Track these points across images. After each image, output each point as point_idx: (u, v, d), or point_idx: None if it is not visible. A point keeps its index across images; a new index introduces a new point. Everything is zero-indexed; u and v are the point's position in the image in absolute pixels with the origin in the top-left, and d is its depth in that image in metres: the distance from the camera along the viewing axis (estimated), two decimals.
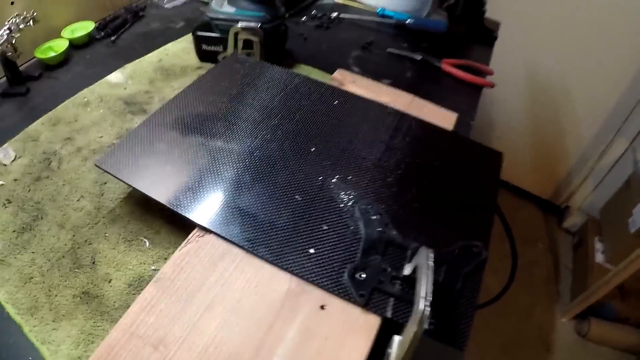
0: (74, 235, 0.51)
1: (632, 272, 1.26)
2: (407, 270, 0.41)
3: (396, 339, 0.35)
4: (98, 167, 0.51)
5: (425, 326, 0.32)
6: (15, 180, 0.56)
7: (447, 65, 0.86)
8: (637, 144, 1.60)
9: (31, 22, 0.69)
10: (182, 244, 0.44)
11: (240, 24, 0.72)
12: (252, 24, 0.72)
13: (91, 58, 0.79)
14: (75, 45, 0.80)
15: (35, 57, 0.75)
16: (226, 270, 0.42)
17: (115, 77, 0.74)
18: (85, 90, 0.70)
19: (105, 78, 0.73)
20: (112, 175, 0.50)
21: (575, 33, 1.54)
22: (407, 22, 0.97)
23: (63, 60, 0.77)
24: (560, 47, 1.59)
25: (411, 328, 0.33)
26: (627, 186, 1.60)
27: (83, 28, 0.81)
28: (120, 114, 0.67)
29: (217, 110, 0.59)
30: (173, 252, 0.48)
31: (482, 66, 0.88)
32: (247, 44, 0.74)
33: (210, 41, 0.77)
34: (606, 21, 1.48)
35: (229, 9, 0.74)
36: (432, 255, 0.36)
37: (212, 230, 0.44)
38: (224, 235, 0.44)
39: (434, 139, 0.60)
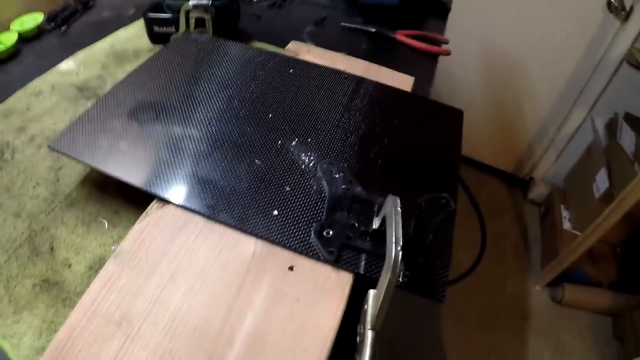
0: (30, 224, 0.49)
1: (600, 236, 1.30)
2: (375, 223, 0.40)
3: (371, 293, 0.34)
4: (51, 148, 0.49)
5: (400, 272, 0.32)
6: None
7: (401, 36, 0.86)
8: (595, 113, 1.65)
9: None
10: (141, 217, 0.43)
11: (191, 2, 0.70)
12: (204, 2, 0.70)
13: (42, 49, 0.75)
14: (25, 38, 0.76)
15: None
16: (188, 239, 0.40)
17: (66, 65, 0.71)
18: (36, 80, 0.67)
19: (56, 66, 0.70)
20: (66, 155, 0.48)
21: (528, 7, 1.58)
22: None
23: (13, 54, 0.73)
24: (514, 19, 1.62)
25: (385, 277, 0.32)
26: (588, 154, 1.66)
27: (32, 20, 0.78)
28: (73, 100, 0.64)
29: (170, 86, 0.57)
30: None
31: (437, 35, 0.89)
32: (199, 23, 0.72)
33: (162, 22, 0.74)
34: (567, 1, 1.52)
35: None
36: (398, 201, 0.36)
37: (171, 200, 0.43)
38: (183, 204, 0.42)
39: (393, 99, 0.60)
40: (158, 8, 0.74)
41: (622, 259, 1.55)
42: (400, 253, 0.32)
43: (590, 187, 1.51)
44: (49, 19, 0.81)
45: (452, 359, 1.38)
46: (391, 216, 0.35)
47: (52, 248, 0.47)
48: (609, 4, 1.46)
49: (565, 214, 1.64)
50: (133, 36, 0.79)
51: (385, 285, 0.32)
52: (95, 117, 0.52)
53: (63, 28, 0.80)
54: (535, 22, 1.59)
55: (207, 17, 0.71)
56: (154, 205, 0.43)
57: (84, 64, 0.71)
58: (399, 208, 0.35)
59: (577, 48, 1.60)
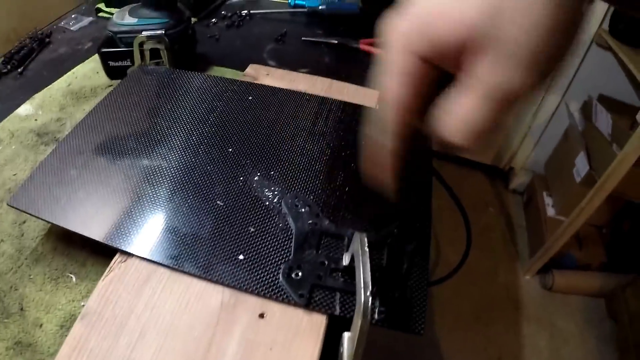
0: None
1: (585, 219, 1.31)
2: (345, 260, 0.39)
3: (346, 335, 0.34)
4: (10, 206, 0.47)
5: (372, 317, 0.31)
6: None
7: (365, 45, 0.86)
8: (569, 98, 1.66)
9: None
10: (105, 273, 0.41)
11: (143, 33, 0.69)
12: (157, 32, 0.69)
13: (0, 94, 0.74)
14: None
15: None
16: (154, 293, 0.39)
17: (24, 109, 0.69)
18: None
19: (15, 112, 0.68)
20: (26, 212, 0.47)
21: None
22: (319, 8, 0.96)
23: None
24: None
25: (357, 322, 0.32)
26: (565, 139, 1.67)
27: None
28: (32, 147, 0.63)
29: (127, 126, 0.56)
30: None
31: None
32: (155, 54, 0.70)
33: (117, 56, 0.73)
34: None
35: (130, 20, 0.71)
36: (365, 239, 0.35)
37: (133, 253, 0.42)
38: (145, 256, 0.41)
39: (358, 119, 0.59)
40: (112, 42, 0.72)
41: (609, 240, 1.57)
42: (370, 298, 0.32)
43: (570, 172, 1.52)
44: (5, 61, 0.79)
45: (450, 354, 1.38)
46: (359, 257, 0.34)
47: (21, 308, 0.45)
48: None
49: (548, 200, 1.65)
50: (90, 72, 0.78)
51: (357, 331, 0.32)
52: (52, 167, 0.50)
53: (20, 69, 0.78)
54: None
55: (162, 47, 0.69)
56: (117, 259, 0.42)
57: (41, 107, 0.70)
58: (366, 248, 0.34)
59: None
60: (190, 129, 0.55)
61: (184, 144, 0.53)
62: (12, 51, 0.81)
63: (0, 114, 0.68)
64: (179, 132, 0.55)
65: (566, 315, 1.52)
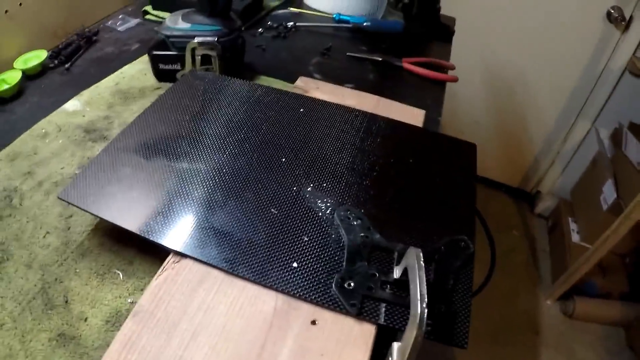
0: (43, 275, 0.48)
1: (609, 248, 1.29)
2: (396, 273, 0.40)
3: (395, 346, 0.34)
4: (61, 199, 0.48)
5: (424, 328, 0.31)
6: None
7: (408, 64, 0.86)
8: (599, 124, 1.65)
9: None
10: (158, 272, 0.42)
11: (196, 39, 0.70)
12: (209, 38, 0.70)
13: (46, 88, 0.75)
14: (29, 76, 0.76)
15: None
16: (207, 294, 0.40)
17: (72, 105, 0.71)
18: (42, 121, 0.67)
19: (62, 107, 0.70)
20: (76, 206, 0.48)
21: (528, 23, 1.59)
22: (363, 24, 0.98)
23: (17, 93, 0.73)
24: (515, 37, 1.63)
25: (410, 332, 0.32)
26: (593, 165, 1.66)
27: (36, 57, 0.78)
28: (80, 142, 0.64)
29: (180, 129, 0.57)
30: (149, 281, 0.45)
31: (443, 62, 0.89)
32: (205, 60, 0.72)
33: (167, 60, 0.74)
34: (557, 8, 1.52)
35: (184, 25, 0.72)
36: (421, 254, 0.35)
37: (188, 254, 0.42)
38: (200, 258, 0.42)
39: (405, 137, 0.60)
40: (163, 45, 0.74)
41: (631, 269, 1.54)
42: (426, 310, 0.32)
43: (597, 199, 1.51)
44: (52, 56, 0.81)
45: None
46: (414, 270, 0.34)
47: (66, 301, 0.46)
48: (609, 14, 1.47)
49: (573, 226, 1.64)
50: (138, 73, 0.79)
51: (411, 341, 0.32)
52: (104, 164, 0.51)
53: (67, 65, 0.80)
54: (536, 37, 1.61)
55: (213, 54, 0.71)
56: (170, 260, 0.43)
57: (89, 104, 0.71)
58: (422, 262, 0.35)
59: (578, 60, 1.61)
60: (244, 136, 0.56)
61: (238, 151, 0.54)
62: (60, 47, 0.84)
63: (47, 108, 0.70)
64: (232, 138, 0.56)
65: (585, 343, 1.50)
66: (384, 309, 0.39)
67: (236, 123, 0.58)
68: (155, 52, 0.74)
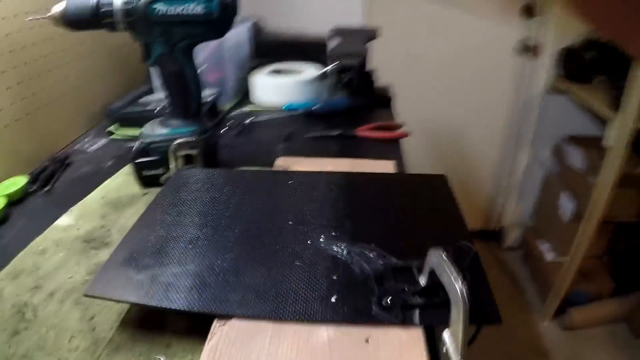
0: None
1: (583, 253, 1.39)
2: (422, 281, 0.45)
3: (445, 334, 0.39)
4: (88, 295, 0.49)
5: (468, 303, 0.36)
6: None
7: (362, 132, 0.98)
8: (537, 147, 1.85)
9: None
10: (208, 338, 0.44)
11: (178, 140, 0.77)
12: (189, 138, 0.77)
13: (31, 211, 0.77)
14: (11, 202, 0.78)
15: None
16: (263, 344, 0.42)
17: (64, 221, 0.73)
18: (37, 240, 0.68)
19: (53, 224, 0.72)
20: (108, 299, 0.49)
21: (454, 80, 1.83)
22: (313, 108, 1.10)
23: (2, 219, 0.74)
24: (447, 93, 1.86)
25: (458, 311, 0.37)
26: (545, 186, 1.82)
27: (14, 184, 0.80)
28: (82, 252, 0.65)
29: (187, 219, 0.61)
30: (192, 358, 0.47)
31: (391, 123, 1.02)
32: (187, 159, 0.78)
33: (151, 165, 0.80)
34: (471, 53, 1.77)
35: (162, 131, 0.79)
36: (441, 251, 0.42)
37: (234, 314, 0.45)
38: (247, 314, 0.44)
39: (386, 182, 0.70)
40: (144, 152, 0.80)
41: (611, 266, 1.65)
42: (465, 287, 0.37)
43: (558, 214, 1.64)
44: (32, 180, 0.83)
45: None
46: (440, 263, 0.41)
47: None
48: (518, 47, 1.74)
49: (544, 247, 1.75)
50: (122, 184, 0.83)
51: (461, 317, 0.37)
52: (123, 257, 0.54)
53: (47, 187, 0.83)
54: (460, 85, 1.84)
55: (195, 152, 0.77)
56: (215, 325, 0.45)
57: (81, 218, 0.73)
58: (444, 255, 0.41)
59: (503, 94, 1.85)
60: (249, 210, 0.62)
61: (248, 223, 0.59)
62: (36, 172, 0.87)
63: (37, 228, 0.71)
64: (240, 214, 0.61)
65: (594, 348, 1.53)
66: (423, 313, 0.44)
67: (237, 202, 0.64)
68: (139, 160, 0.79)
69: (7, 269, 0.62)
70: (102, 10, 0.69)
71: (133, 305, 0.53)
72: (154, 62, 0.76)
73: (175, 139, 0.77)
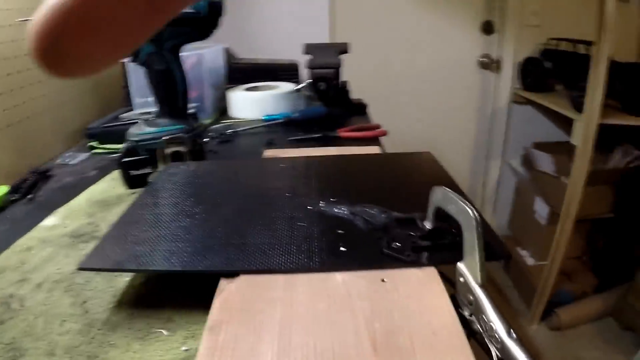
0: (71, 358, 0.44)
1: (563, 254, 1.42)
2: (428, 224, 0.46)
3: (460, 265, 0.39)
4: (82, 268, 0.47)
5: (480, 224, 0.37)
6: None
7: (343, 132, 1.00)
8: (508, 157, 1.91)
9: None
10: (216, 294, 0.42)
11: (164, 138, 0.76)
12: (179, 134, 0.77)
13: (13, 217, 0.73)
14: None
15: None
16: (276, 294, 0.40)
17: (49, 221, 0.70)
18: (21, 239, 0.65)
19: (39, 225, 0.69)
20: (104, 270, 0.47)
21: (424, 94, 1.90)
22: (292, 116, 1.12)
23: None
24: (417, 110, 1.93)
25: (471, 236, 0.37)
26: (518, 193, 1.87)
27: None
28: (70, 246, 0.63)
29: (185, 196, 0.61)
30: (198, 327, 0.45)
31: (370, 124, 1.05)
32: (175, 157, 0.77)
33: (138, 164, 0.78)
34: (448, 75, 1.85)
35: (150, 129, 0.79)
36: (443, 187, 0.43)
37: (241, 270, 0.44)
38: (257, 268, 0.43)
39: (376, 158, 0.74)
40: (132, 152, 0.78)
41: (592, 264, 1.67)
42: (475, 210, 0.38)
43: (534, 219, 1.68)
44: (13, 190, 0.80)
45: None
46: (446, 195, 0.42)
47: None
48: (480, 62, 1.83)
49: (523, 253, 1.77)
50: (108, 186, 0.81)
51: (476, 241, 0.37)
52: (119, 234, 0.52)
53: (29, 196, 0.80)
54: (431, 104, 1.91)
55: (183, 149, 0.77)
56: (223, 282, 0.43)
57: (68, 218, 0.71)
58: (446, 189, 0.42)
59: (470, 108, 1.92)
60: (249, 191, 0.63)
61: (250, 198, 0.60)
62: (18, 182, 0.84)
63: (21, 231, 0.67)
64: (236, 195, 0.61)
65: (585, 345, 1.54)
66: (432, 254, 0.44)
67: (231, 185, 0.64)
68: (125, 160, 0.78)
69: None
70: None
71: (132, 276, 0.52)
72: (142, 61, 0.76)
73: (163, 136, 0.77)
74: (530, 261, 1.74)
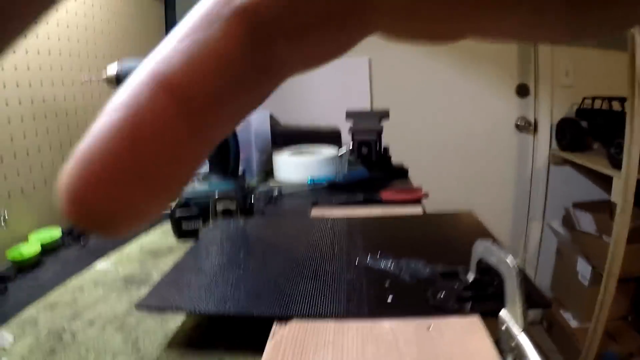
0: None
1: (607, 315, 1.35)
2: (471, 276, 0.47)
3: (502, 313, 0.40)
4: (141, 306, 0.50)
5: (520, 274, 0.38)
6: (23, 358, 0.50)
7: (386, 195, 1.02)
8: (548, 219, 1.88)
9: (2, 222, 0.69)
10: (269, 338, 0.44)
11: (218, 194, 0.81)
12: (230, 192, 0.82)
13: (66, 259, 0.78)
14: (45, 251, 0.80)
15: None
16: (327, 338, 0.42)
17: (102, 265, 0.74)
18: (74, 280, 0.68)
19: (91, 267, 0.73)
20: (163, 309, 0.50)
21: (463, 159, 1.91)
22: (337, 180, 1.15)
23: (35, 263, 0.75)
24: (453, 173, 1.93)
25: (512, 285, 0.38)
26: (560, 255, 1.82)
27: (50, 234, 0.82)
28: (123, 289, 0.66)
29: (235, 248, 0.65)
30: None
31: (411, 187, 1.08)
32: (225, 215, 0.81)
33: (190, 219, 0.83)
34: (486, 139, 1.87)
35: (203, 187, 0.84)
36: (487, 241, 0.44)
37: (294, 315, 0.46)
38: (309, 314, 0.45)
39: (421, 219, 0.76)
40: (185, 207, 0.83)
41: (638, 323, 1.58)
42: (516, 261, 0.39)
43: (577, 281, 1.62)
44: (67, 232, 0.86)
45: None
46: (488, 248, 0.43)
47: None
48: (517, 125, 1.84)
49: (567, 315, 1.69)
50: (158, 237, 0.86)
51: (517, 290, 0.38)
52: (175, 278, 0.55)
53: (82, 242, 0.85)
54: (470, 168, 1.92)
55: (233, 206, 0.81)
56: (276, 327, 0.45)
57: (119, 264, 0.75)
58: (488, 241, 0.44)
59: (509, 171, 1.91)
60: (293, 245, 0.66)
61: (293, 252, 0.63)
62: (69, 226, 0.89)
63: (73, 273, 0.71)
64: (285, 249, 0.65)
65: None
66: (476, 304, 0.45)
67: (280, 240, 0.68)
68: (179, 214, 0.82)
69: (43, 301, 0.62)
70: None
71: (183, 320, 0.54)
72: None
73: (215, 193, 0.81)
74: (574, 323, 1.66)
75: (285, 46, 0.11)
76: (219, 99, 0.11)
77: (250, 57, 0.10)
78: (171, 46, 0.10)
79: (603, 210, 1.58)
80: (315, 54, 0.11)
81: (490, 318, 0.43)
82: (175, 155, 0.11)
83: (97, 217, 0.10)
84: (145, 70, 0.10)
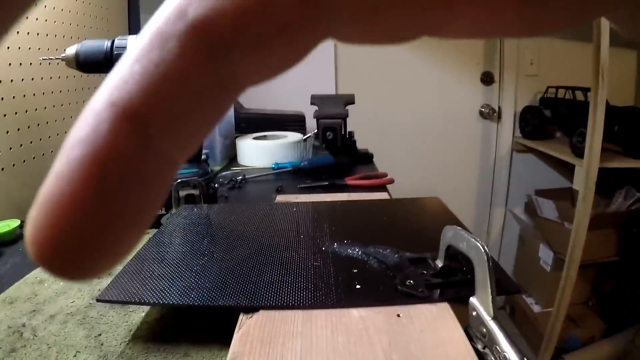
0: None
1: (569, 300, 1.40)
2: (439, 262, 0.47)
3: (472, 299, 0.40)
4: (101, 300, 0.48)
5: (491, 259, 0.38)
6: None
7: (351, 181, 1.02)
8: (510, 206, 1.92)
9: None
10: (236, 329, 0.43)
11: (180, 179, 0.78)
12: (192, 178, 0.79)
13: (25, 249, 0.74)
14: (3, 243, 0.76)
15: None
16: (296, 328, 0.41)
17: None
18: (34, 272, 0.65)
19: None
20: (122, 302, 0.48)
21: (426, 145, 1.93)
22: (301, 165, 1.15)
23: None
24: (417, 158, 1.95)
25: (482, 271, 0.38)
26: (522, 241, 1.87)
27: (7, 225, 0.78)
28: (84, 282, 0.63)
29: (199, 235, 0.62)
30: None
31: (376, 173, 1.08)
32: (188, 199, 0.79)
33: None
34: (449, 125, 1.88)
35: None
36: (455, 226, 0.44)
37: (261, 306, 0.45)
38: (276, 304, 0.44)
39: (385, 203, 0.75)
40: None
41: (600, 309, 1.65)
42: (485, 246, 0.39)
43: (538, 266, 1.67)
44: (22, 225, 0.81)
45: None
46: (457, 233, 0.43)
47: None
48: (481, 112, 1.87)
49: (529, 300, 1.75)
50: None
51: (487, 276, 0.38)
52: (136, 269, 0.53)
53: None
54: (433, 154, 1.94)
55: (197, 192, 0.79)
56: (243, 318, 0.44)
57: None
58: (458, 228, 0.44)
59: (472, 158, 1.94)
60: (258, 231, 0.64)
61: (259, 238, 0.61)
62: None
63: (33, 265, 0.68)
64: (250, 236, 0.63)
65: None
66: (445, 291, 0.45)
67: (245, 227, 0.66)
68: None
69: (1, 296, 0.59)
70: (116, 53, 0.73)
71: (147, 312, 0.53)
72: None
73: (177, 179, 0.79)
74: (536, 308, 1.72)
75: (242, 59, 0.10)
76: (182, 120, 0.10)
77: (209, 73, 0.10)
78: (126, 69, 0.10)
79: (565, 197, 1.63)
80: (272, 64, 0.11)
81: (459, 304, 0.43)
82: (143, 187, 0.10)
83: (66, 265, 0.10)
84: (102, 98, 0.10)
